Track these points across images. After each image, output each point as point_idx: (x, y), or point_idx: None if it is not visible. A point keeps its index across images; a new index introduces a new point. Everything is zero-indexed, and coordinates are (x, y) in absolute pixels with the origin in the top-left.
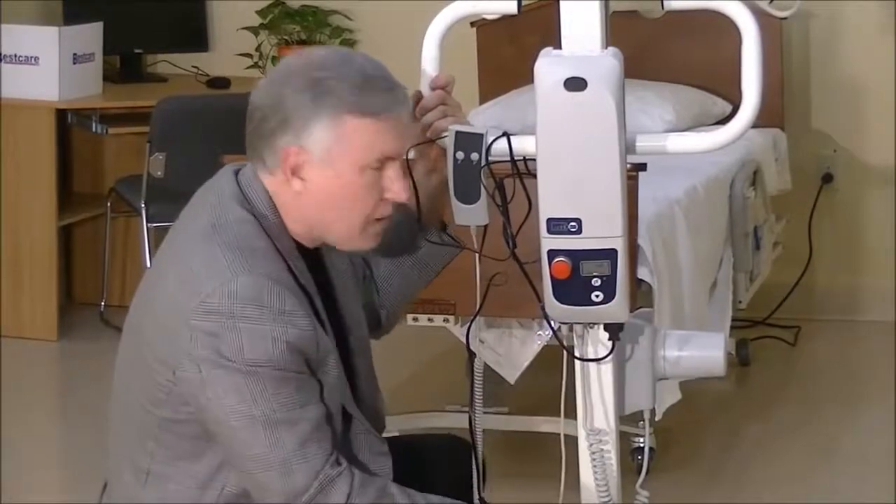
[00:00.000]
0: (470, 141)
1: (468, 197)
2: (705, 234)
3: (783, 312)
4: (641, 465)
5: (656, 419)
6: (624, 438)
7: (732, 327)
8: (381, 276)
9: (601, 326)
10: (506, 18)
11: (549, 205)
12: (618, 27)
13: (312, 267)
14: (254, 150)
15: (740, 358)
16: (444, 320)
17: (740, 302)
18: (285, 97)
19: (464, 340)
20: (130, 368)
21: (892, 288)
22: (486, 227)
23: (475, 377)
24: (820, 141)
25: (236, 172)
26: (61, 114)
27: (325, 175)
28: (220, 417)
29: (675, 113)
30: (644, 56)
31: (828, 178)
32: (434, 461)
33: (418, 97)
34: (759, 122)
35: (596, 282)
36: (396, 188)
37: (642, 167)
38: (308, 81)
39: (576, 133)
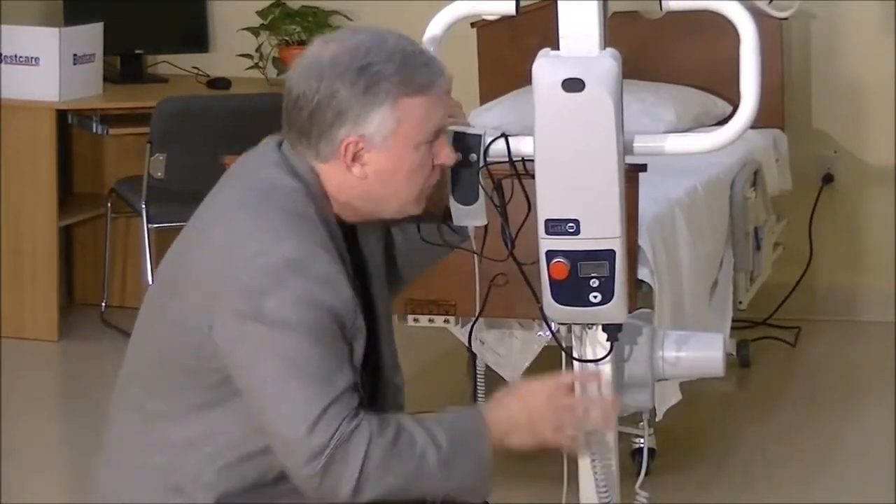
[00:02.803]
0: (468, 142)
1: (467, 198)
2: (706, 235)
3: (784, 313)
4: (638, 465)
5: (657, 420)
6: (625, 439)
7: (733, 328)
8: (399, 250)
9: (599, 327)
10: (506, 19)
11: (547, 205)
12: (618, 28)
13: (348, 243)
14: (302, 137)
15: (741, 359)
16: (444, 321)
17: (741, 302)
18: (337, 91)
19: (464, 341)
20: (155, 323)
21: (893, 288)
22: (485, 227)
23: (477, 378)
24: (820, 141)
25: (279, 144)
26: (62, 114)
27: (383, 157)
28: (252, 374)
29: (675, 114)
30: (645, 56)
31: (828, 179)
32: None
33: None
34: (760, 122)
35: (594, 283)
36: (445, 154)
37: (642, 168)
38: (356, 72)
39: (574, 134)
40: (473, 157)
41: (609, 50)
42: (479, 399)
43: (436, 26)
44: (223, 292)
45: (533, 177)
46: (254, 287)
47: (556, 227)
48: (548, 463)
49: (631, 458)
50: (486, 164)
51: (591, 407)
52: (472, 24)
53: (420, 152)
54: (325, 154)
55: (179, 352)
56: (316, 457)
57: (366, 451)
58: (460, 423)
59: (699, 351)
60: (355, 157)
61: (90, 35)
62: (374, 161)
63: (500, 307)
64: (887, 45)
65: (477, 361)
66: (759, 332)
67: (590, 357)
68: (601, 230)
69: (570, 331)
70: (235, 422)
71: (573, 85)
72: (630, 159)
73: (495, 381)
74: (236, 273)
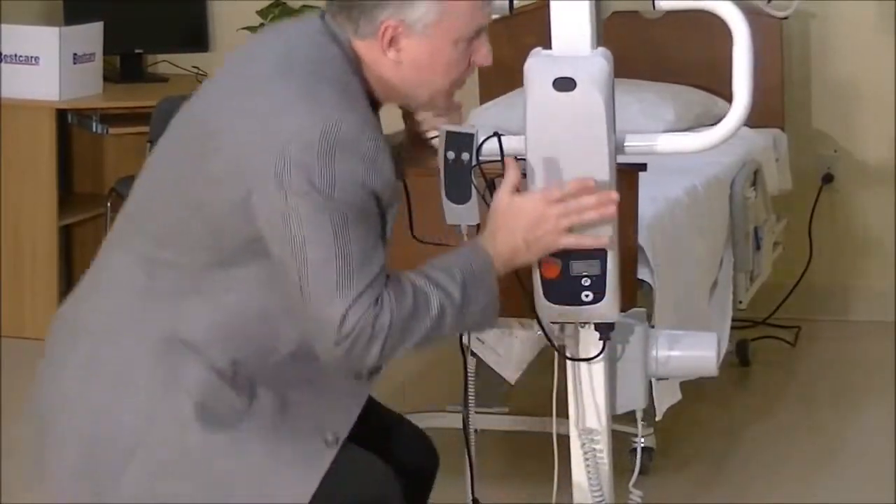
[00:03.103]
0: (461, 141)
1: (459, 197)
2: (706, 235)
3: (783, 312)
4: (640, 465)
5: (657, 419)
6: (624, 439)
7: (733, 327)
8: None
9: (592, 326)
10: (505, 19)
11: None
12: (619, 27)
13: None
14: (343, 10)
15: (740, 358)
16: None
17: (740, 302)
18: None
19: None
20: (176, 177)
21: (893, 288)
22: (478, 226)
23: (467, 377)
24: (820, 141)
25: (321, 15)
26: (62, 114)
27: (421, 47)
28: (291, 249)
29: (675, 113)
30: (645, 56)
31: (828, 179)
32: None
33: None
34: (760, 122)
35: (586, 281)
36: (483, 53)
37: (642, 167)
38: None
39: (565, 133)
40: (466, 156)
41: (600, 49)
42: (470, 401)
43: None
44: (268, 162)
45: (525, 175)
46: (301, 161)
47: None
48: (546, 463)
49: (630, 457)
50: (479, 162)
51: (583, 201)
52: None
53: (458, 49)
54: (364, 32)
55: (206, 210)
56: (344, 339)
57: (388, 328)
58: (468, 267)
59: (692, 350)
60: (392, 42)
61: (90, 34)
62: (412, 48)
63: None
64: (887, 45)
65: (468, 361)
66: (758, 331)
67: (582, 356)
68: (593, 229)
69: (562, 330)
70: (254, 281)
71: (564, 84)
72: (627, 159)
73: (488, 381)
74: (283, 144)
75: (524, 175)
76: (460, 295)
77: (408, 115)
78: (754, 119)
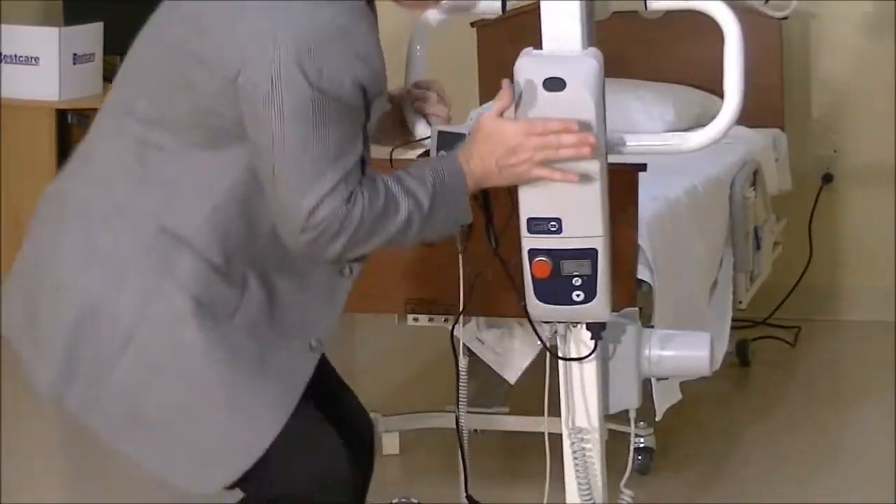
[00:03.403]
0: (453, 140)
1: None
2: (705, 235)
3: (783, 313)
4: (640, 465)
5: (656, 419)
6: (623, 439)
7: (732, 328)
8: None
9: (583, 326)
10: (505, 18)
11: (530, 204)
12: (619, 27)
13: None
14: None
15: (740, 358)
16: (444, 320)
17: (740, 302)
18: None
19: (464, 340)
20: (167, 54)
21: (893, 288)
22: (470, 226)
23: (459, 377)
24: (820, 141)
25: None
26: (62, 114)
27: None
28: (270, 130)
29: (675, 113)
30: (645, 56)
31: (828, 179)
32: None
33: (405, 92)
34: (759, 122)
35: (577, 281)
36: None
37: (642, 167)
38: None
39: None
40: None
41: (591, 49)
42: (462, 402)
43: (425, 24)
44: (259, 46)
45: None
46: (292, 48)
47: (539, 225)
48: (539, 462)
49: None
50: None
51: (563, 138)
52: (472, 24)
53: None
54: None
55: (193, 91)
56: (311, 229)
57: (356, 225)
58: (441, 179)
59: (685, 350)
60: None
61: (90, 35)
62: None
63: (487, 306)
64: (887, 45)
65: (460, 361)
66: (758, 331)
67: (574, 355)
68: (583, 229)
69: (554, 329)
70: (241, 167)
71: (554, 84)
72: (627, 159)
73: (487, 381)
74: (275, 30)
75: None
76: (429, 204)
77: (394, 100)
78: (754, 119)
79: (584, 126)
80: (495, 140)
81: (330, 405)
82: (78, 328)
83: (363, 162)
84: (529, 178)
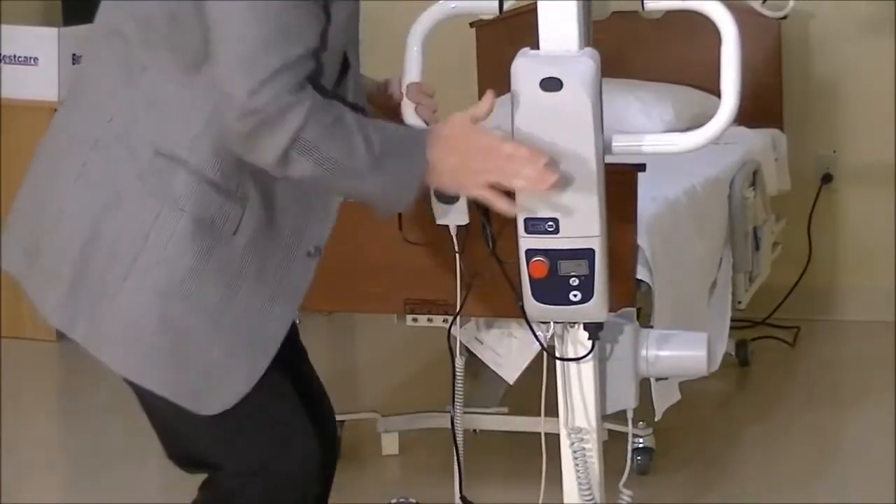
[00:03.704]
0: None
1: (448, 197)
2: (705, 235)
3: (783, 313)
4: (640, 465)
5: (656, 419)
6: (623, 439)
7: (732, 328)
8: None
9: (580, 326)
10: (504, 18)
11: (527, 204)
12: (619, 28)
13: None
14: None
15: (740, 358)
16: (443, 321)
17: (740, 302)
18: None
19: (463, 341)
20: None
21: (892, 288)
22: (466, 226)
23: (456, 377)
24: (819, 141)
25: None
26: None
27: None
28: (218, 9)
29: (674, 113)
30: (645, 56)
31: (827, 179)
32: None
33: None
34: (758, 122)
35: (574, 281)
36: None
37: (641, 168)
38: None
39: (552, 133)
40: None
41: (588, 50)
42: (458, 401)
43: (420, 26)
44: None
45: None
46: None
47: (536, 225)
48: (530, 462)
49: (630, 457)
50: None
51: (523, 169)
52: (472, 24)
53: None
54: None
55: (162, 9)
56: (250, 115)
57: (299, 125)
58: (400, 139)
59: (682, 350)
60: None
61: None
62: None
63: (486, 306)
64: (886, 45)
65: (457, 361)
66: (758, 331)
67: (571, 356)
68: (580, 229)
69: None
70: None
71: (551, 84)
72: (627, 159)
73: (487, 382)
74: None
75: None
76: (380, 151)
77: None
78: (753, 119)
79: (553, 162)
80: (463, 140)
81: (307, 404)
82: (81, 257)
83: (317, 73)
84: (470, 193)
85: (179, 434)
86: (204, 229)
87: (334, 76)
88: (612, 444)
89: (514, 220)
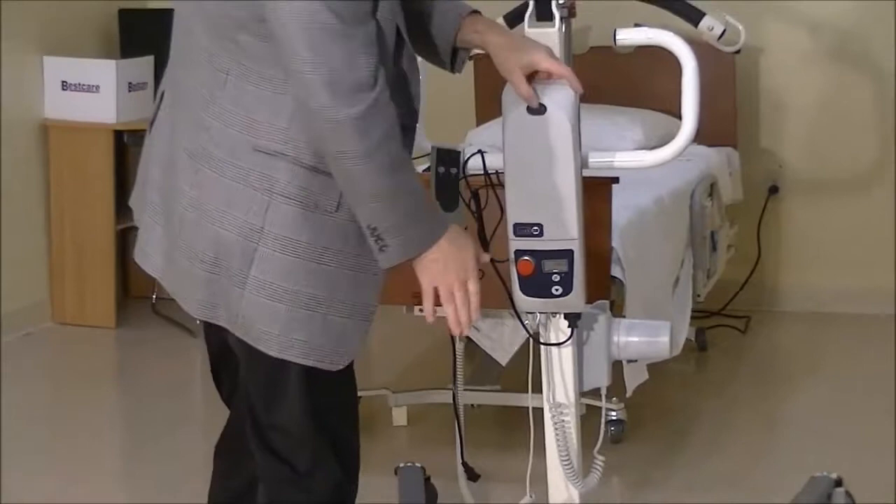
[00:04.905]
0: (449, 157)
1: (448, 205)
2: (669, 238)
3: (736, 305)
4: (613, 435)
5: (627, 396)
6: (599, 412)
7: (692, 317)
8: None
9: (561, 315)
10: None
11: (515, 212)
12: (596, 61)
13: None
14: None
15: (699, 344)
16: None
17: (699, 295)
18: None
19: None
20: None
21: (828, 284)
22: (464, 229)
23: (456, 359)
24: (767, 158)
25: None
26: (118, 134)
27: None
28: (283, 18)
29: (643, 134)
30: (618, 85)
31: (774, 190)
32: None
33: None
34: (716, 141)
35: (556, 277)
36: None
37: (615, 180)
38: None
39: (537, 151)
40: (454, 170)
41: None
42: (458, 379)
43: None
44: None
45: (504, 187)
46: None
47: (523, 230)
48: (520, 433)
49: (605, 428)
50: (465, 175)
51: (459, 315)
52: (470, 57)
53: None
54: None
55: (232, 19)
56: (361, 89)
57: (378, 92)
58: (422, 198)
59: (648, 336)
60: None
61: (143, 66)
62: None
63: (482, 298)
64: (824, 74)
65: (456, 345)
66: (714, 321)
67: (553, 341)
68: (561, 233)
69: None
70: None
71: (537, 109)
72: (601, 173)
73: (483, 364)
74: None
75: (503, 186)
76: (404, 179)
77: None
78: (711, 139)
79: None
80: (456, 260)
81: None
82: (211, 257)
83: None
84: (429, 287)
85: (275, 405)
86: (311, 210)
87: (392, 49)
88: (588, 417)
89: (505, 225)
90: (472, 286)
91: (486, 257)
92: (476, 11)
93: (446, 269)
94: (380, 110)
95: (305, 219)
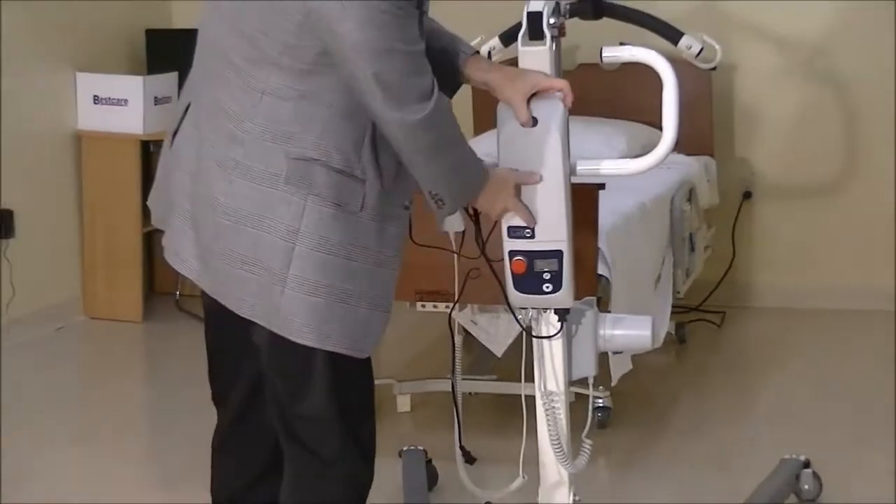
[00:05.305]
0: None
1: (449, 210)
2: (651, 239)
3: (712, 301)
4: (599, 421)
5: (612, 385)
6: (586, 399)
7: (672, 312)
8: None
9: (552, 311)
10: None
11: (509, 215)
12: (585, 76)
13: None
14: None
15: (678, 337)
16: (445, 307)
17: (679, 292)
18: None
19: (463, 324)
20: (244, 13)
21: (799, 281)
22: (463, 232)
23: (455, 351)
24: (742, 166)
25: None
26: (145, 144)
27: None
28: (351, 45)
29: (627, 144)
30: (605, 99)
31: (748, 195)
32: None
33: None
34: (694, 151)
35: (546, 276)
36: None
37: (601, 186)
38: None
39: (529, 159)
40: None
41: (558, 93)
42: (457, 369)
43: None
44: None
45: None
46: None
47: (517, 232)
48: (514, 419)
49: (592, 414)
50: None
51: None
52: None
53: None
54: None
55: (279, 24)
56: (426, 97)
57: (437, 100)
58: (476, 161)
59: (632, 330)
60: None
61: (168, 82)
62: None
63: (479, 295)
64: (794, 89)
65: (456, 338)
66: (692, 315)
67: (544, 334)
68: (551, 235)
69: (529, 314)
70: (335, 87)
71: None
72: (588, 180)
73: (480, 355)
74: None
75: None
76: (461, 153)
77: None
78: (690, 148)
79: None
80: (500, 192)
81: None
82: (251, 258)
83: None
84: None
85: (302, 395)
86: (341, 210)
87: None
88: (576, 404)
89: (500, 227)
90: (515, 204)
91: (533, 177)
92: (477, 52)
93: (495, 200)
94: (439, 107)
95: (336, 219)
